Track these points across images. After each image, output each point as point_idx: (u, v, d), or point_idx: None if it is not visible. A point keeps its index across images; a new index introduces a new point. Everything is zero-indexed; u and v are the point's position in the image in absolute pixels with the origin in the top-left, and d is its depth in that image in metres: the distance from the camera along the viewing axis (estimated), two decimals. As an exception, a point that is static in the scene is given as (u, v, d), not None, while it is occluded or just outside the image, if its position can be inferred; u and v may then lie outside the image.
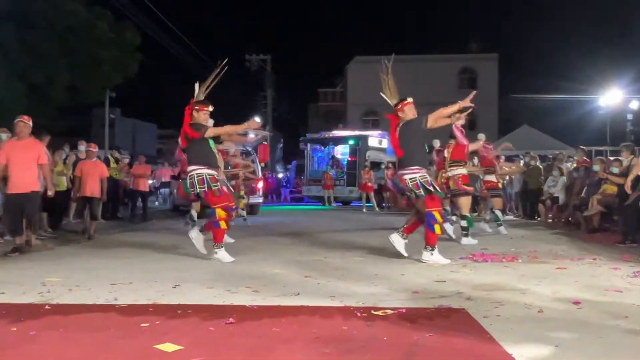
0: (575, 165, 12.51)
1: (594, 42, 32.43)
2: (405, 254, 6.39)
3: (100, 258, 6.54)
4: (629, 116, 20.98)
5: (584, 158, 12.29)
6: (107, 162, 12.79)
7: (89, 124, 27.48)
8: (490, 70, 35.22)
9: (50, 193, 7.35)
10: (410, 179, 6.15)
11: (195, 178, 6.23)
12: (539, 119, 26.52)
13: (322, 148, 23.92)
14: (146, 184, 13.14)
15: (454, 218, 9.11)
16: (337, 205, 21.04)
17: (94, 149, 9.70)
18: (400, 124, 6.30)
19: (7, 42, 16.00)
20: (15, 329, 3.39)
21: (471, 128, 33.30)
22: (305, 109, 44.54)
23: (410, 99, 6.35)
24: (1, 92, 14.85)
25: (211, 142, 6.42)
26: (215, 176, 6.34)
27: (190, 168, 6.38)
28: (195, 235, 6.61)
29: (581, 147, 13.19)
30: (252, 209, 15.73)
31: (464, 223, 8.19)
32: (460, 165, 8.29)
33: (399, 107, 6.36)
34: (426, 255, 6.09)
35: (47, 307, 3.96)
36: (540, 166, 13.52)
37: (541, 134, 21.98)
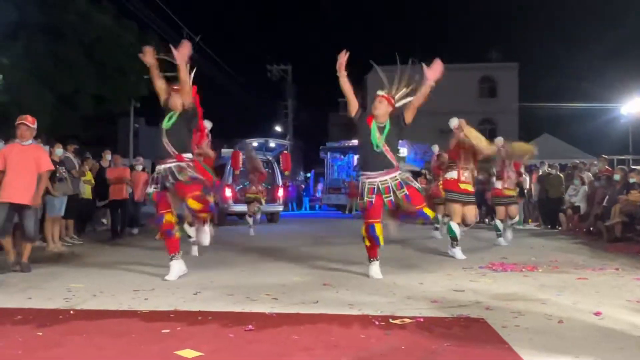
0: (596, 174, 12.38)
1: (616, 51, 32.02)
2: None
3: (124, 264, 6.64)
4: (652, 125, 20.69)
5: (606, 167, 12.16)
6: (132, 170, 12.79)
7: (114, 133, 28.00)
8: (511, 79, 34.99)
9: None
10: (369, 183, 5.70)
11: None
12: (560, 128, 26.27)
13: (342, 157, 24.03)
14: (123, 190, 10.57)
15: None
16: (357, 213, 21.07)
17: (32, 124, 6.23)
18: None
19: (38, 53, 16.45)
20: (41, 334, 3.48)
21: (492, 137, 33.17)
22: (326, 118, 44.69)
23: (380, 92, 5.74)
24: (32, 101, 15.25)
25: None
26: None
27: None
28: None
29: (603, 156, 13.05)
30: (272, 217, 15.86)
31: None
32: (452, 167, 7.73)
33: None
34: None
35: (71, 312, 4.05)
36: (561, 175, 13.39)
37: (562, 143, 21.77)
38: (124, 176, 10.66)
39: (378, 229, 5.64)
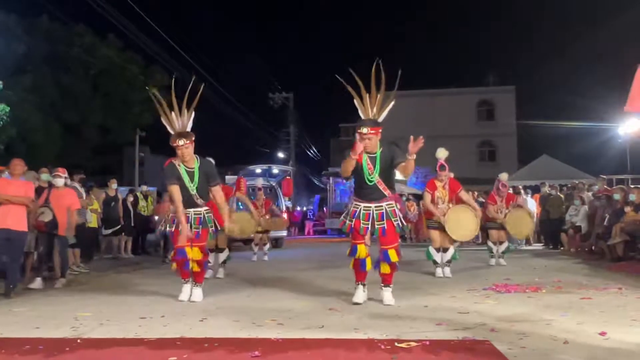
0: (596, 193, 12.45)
1: (613, 71, 32.42)
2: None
3: (130, 292, 6.66)
4: (649, 145, 20.79)
5: (605, 187, 12.23)
6: (136, 199, 12.74)
7: (120, 162, 28.31)
8: (508, 102, 35.31)
9: None
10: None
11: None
12: (558, 148, 26.43)
13: (344, 181, 24.26)
14: (19, 215, 6.52)
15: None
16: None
17: None
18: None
19: (45, 85, 16.79)
20: (49, 363, 3.50)
21: (491, 159, 33.39)
22: (328, 144, 45.11)
23: (364, 129, 5.34)
24: (39, 133, 15.48)
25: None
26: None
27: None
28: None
29: (602, 176, 13.16)
30: (277, 242, 15.94)
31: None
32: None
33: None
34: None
35: (79, 341, 4.06)
36: (561, 195, 13.46)
37: (561, 163, 21.86)
38: (18, 195, 6.48)
39: (361, 250, 5.46)
